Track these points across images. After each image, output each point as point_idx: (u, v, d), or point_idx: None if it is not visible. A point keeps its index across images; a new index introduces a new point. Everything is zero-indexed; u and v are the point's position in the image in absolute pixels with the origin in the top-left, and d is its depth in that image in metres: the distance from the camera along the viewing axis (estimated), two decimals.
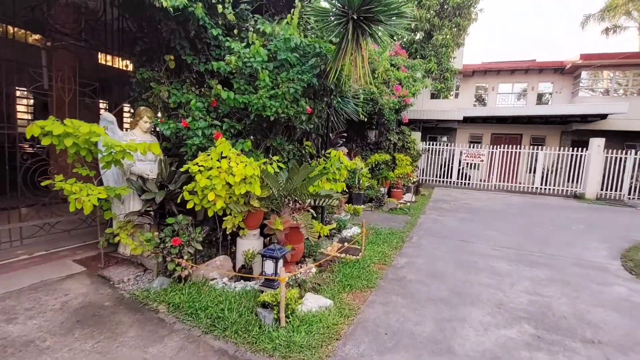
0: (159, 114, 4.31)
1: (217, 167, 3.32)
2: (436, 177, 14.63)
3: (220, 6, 3.62)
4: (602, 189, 12.70)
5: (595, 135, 13.61)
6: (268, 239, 3.91)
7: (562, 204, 11.20)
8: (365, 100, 7.80)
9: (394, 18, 3.47)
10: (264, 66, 3.72)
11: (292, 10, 3.81)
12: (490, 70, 17.86)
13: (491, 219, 8.02)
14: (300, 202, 4.34)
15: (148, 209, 3.80)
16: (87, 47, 4.83)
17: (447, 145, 14.49)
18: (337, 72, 3.76)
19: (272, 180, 3.70)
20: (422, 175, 14.67)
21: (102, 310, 3.03)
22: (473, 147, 14.13)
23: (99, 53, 6.08)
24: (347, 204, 8.30)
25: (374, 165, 9.39)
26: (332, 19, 3.53)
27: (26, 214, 4.50)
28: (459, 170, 14.23)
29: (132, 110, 4.94)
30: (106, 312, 2.99)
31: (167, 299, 3.18)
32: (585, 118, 14.75)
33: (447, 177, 14.42)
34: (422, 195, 10.89)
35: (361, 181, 8.23)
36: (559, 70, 17.25)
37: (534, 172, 13.74)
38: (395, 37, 11.13)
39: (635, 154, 12.14)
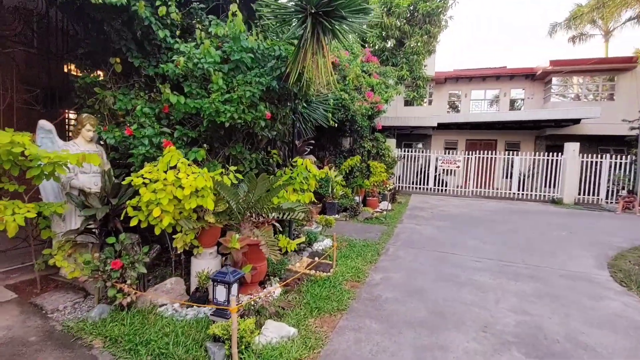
0: (107, 122, 3.97)
1: (163, 180, 3.03)
2: (413, 184, 14.72)
3: (163, 7, 3.37)
4: (579, 194, 13.05)
5: (569, 140, 14.06)
6: (225, 258, 3.62)
7: (541, 209, 11.43)
8: (336, 107, 7.70)
9: (359, 15, 3.34)
10: (217, 68, 3.49)
11: (231, 4, 3.59)
12: (462, 77, 18.39)
13: (470, 226, 8.01)
14: (263, 215, 4.09)
15: (89, 226, 3.44)
16: (26, 51, 4.44)
17: (422, 151, 14.65)
18: (298, 74, 3.58)
19: (229, 193, 3.44)
20: (399, 183, 14.73)
21: (25, 347, 2.63)
22: (448, 154, 14.34)
23: (44, 58, 5.67)
24: (320, 215, 8.10)
25: (347, 172, 9.26)
26: (291, 15, 3.35)
27: None
28: (435, 176, 14.38)
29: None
30: (29, 350, 2.61)
31: (104, 332, 2.82)
32: (559, 123, 15.32)
33: (423, 184, 14.54)
34: (398, 203, 10.84)
35: (335, 190, 8.06)
36: (529, 76, 17.98)
37: (511, 178, 14.06)
38: (365, 41, 11.22)
39: (610, 158, 12.59)
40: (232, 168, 3.57)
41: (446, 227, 7.83)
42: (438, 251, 5.86)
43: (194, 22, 3.88)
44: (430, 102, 18.31)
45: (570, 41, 22.87)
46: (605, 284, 4.62)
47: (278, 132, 4.43)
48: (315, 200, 8.11)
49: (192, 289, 3.52)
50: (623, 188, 12.26)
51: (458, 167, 13.83)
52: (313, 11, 3.14)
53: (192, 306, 3.30)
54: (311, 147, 4.81)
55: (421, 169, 14.58)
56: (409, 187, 14.71)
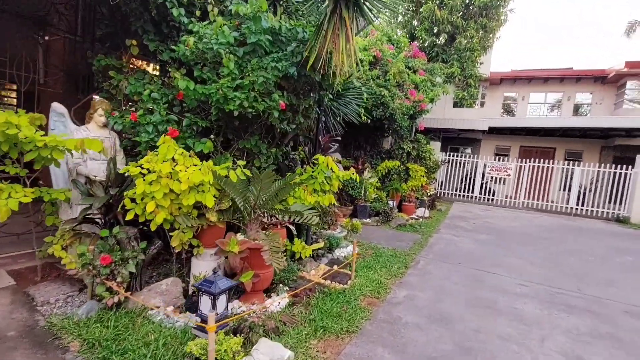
0: (122, 107, 3.74)
1: (158, 171, 2.66)
2: (456, 191, 13.46)
3: None
4: None
5: None
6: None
7: (603, 228, 9.82)
8: (375, 104, 7.03)
9: None
10: (230, 50, 3.06)
11: None
12: (520, 78, 16.56)
13: (517, 243, 6.94)
14: (276, 216, 3.62)
15: (92, 216, 3.21)
16: (51, 34, 4.36)
17: (469, 157, 13.33)
18: (321, 60, 3.04)
19: (233, 190, 3.01)
20: (441, 188, 13.56)
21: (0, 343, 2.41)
22: (499, 160, 12.90)
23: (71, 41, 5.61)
24: (351, 217, 7.51)
25: (384, 175, 8.54)
26: None
27: None
28: (482, 184, 13.02)
29: None
30: (2, 347, 2.37)
31: (85, 333, 2.52)
32: (630, 132, 13.17)
33: (468, 192, 13.23)
34: (438, 210, 9.87)
35: (367, 192, 7.42)
36: (599, 79, 15.74)
37: (569, 191, 12.32)
38: (414, 36, 10.30)
39: None
40: (241, 162, 3.13)
41: (489, 241, 6.85)
42: (475, 269, 5.02)
43: (213, 2, 3.48)
44: (482, 104, 16.73)
45: None
46: None
47: (299, 126, 3.93)
48: (347, 203, 7.57)
49: (191, 291, 3.16)
50: None
51: (509, 175, 12.38)
52: None
53: (187, 311, 2.94)
54: (336, 144, 4.26)
55: (467, 175, 13.27)
56: (451, 194, 13.49)
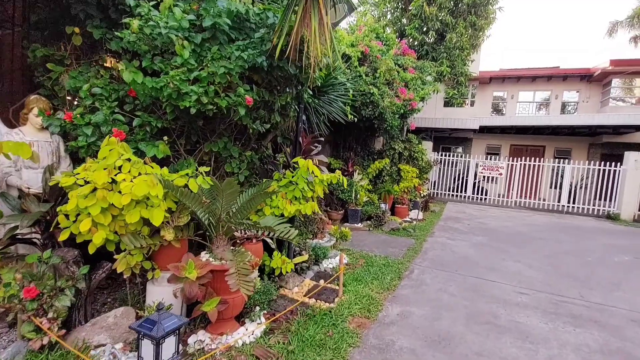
0: (66, 107, 3.14)
1: (93, 181, 2.10)
2: (449, 191, 13.00)
3: None
4: (639, 209, 10.80)
5: (629, 149, 11.78)
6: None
7: (595, 226, 9.43)
8: (364, 103, 6.50)
9: None
10: (185, 36, 2.50)
11: None
12: (509, 77, 16.19)
13: (513, 244, 6.47)
14: (250, 230, 3.06)
15: (29, 236, 2.62)
16: None
17: (461, 156, 12.88)
18: (292, 46, 2.50)
19: (193, 202, 2.45)
20: (434, 189, 13.09)
21: None
22: (491, 159, 12.47)
23: None
24: (341, 222, 6.97)
25: (375, 176, 8.01)
26: None
27: None
28: (474, 183, 12.57)
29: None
30: None
31: None
32: (617, 130, 12.88)
33: (461, 192, 12.78)
34: (431, 212, 9.38)
35: (359, 196, 6.89)
36: (586, 77, 15.44)
37: (560, 188, 11.94)
38: (403, 34, 9.82)
39: None
40: (203, 169, 2.58)
41: (484, 243, 6.37)
42: (473, 276, 4.53)
43: None
44: (472, 104, 16.32)
45: (632, 41, 19.54)
46: None
47: (276, 126, 3.39)
48: (338, 207, 7.03)
49: None
50: None
51: (500, 174, 11.96)
52: None
53: None
54: (319, 146, 3.72)
55: (459, 175, 12.81)
56: (444, 194, 13.03)
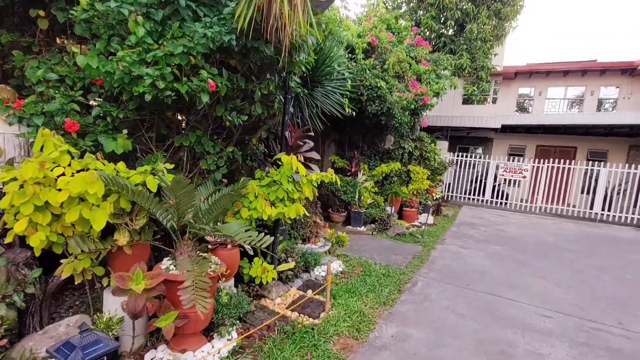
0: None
1: (20, 176, 1.89)
2: (465, 194, 12.36)
3: None
4: None
5: None
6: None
7: (635, 237, 8.69)
8: (370, 97, 6.16)
9: None
10: (142, 12, 2.26)
11: None
12: (537, 72, 15.32)
13: (536, 256, 5.95)
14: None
15: None
16: None
17: (480, 157, 12.25)
18: (264, 17, 2.22)
19: (148, 202, 2.21)
20: (448, 191, 12.48)
21: None
22: (513, 161, 11.83)
23: None
24: (344, 225, 6.66)
25: (382, 178, 7.64)
26: None
27: None
28: (494, 187, 11.92)
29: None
30: None
31: None
32: None
33: (479, 195, 12.13)
34: (444, 216, 8.89)
35: (362, 197, 6.55)
36: (627, 71, 14.38)
37: (594, 194, 11.15)
38: (419, 25, 9.37)
39: None
40: (161, 167, 2.34)
41: (503, 254, 5.89)
42: (487, 293, 4.10)
43: None
44: (494, 101, 15.58)
45: None
46: None
47: (262, 119, 3.13)
48: (340, 209, 6.71)
49: None
50: None
51: (524, 177, 11.29)
52: None
53: None
54: (309, 142, 3.42)
55: (477, 177, 12.18)
56: (460, 197, 12.41)
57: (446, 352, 2.82)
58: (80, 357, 1.53)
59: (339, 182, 3.55)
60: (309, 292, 3.48)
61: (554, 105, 15.88)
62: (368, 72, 6.12)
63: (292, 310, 3.09)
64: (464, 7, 9.28)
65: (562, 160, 11.31)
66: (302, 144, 3.39)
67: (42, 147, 2.08)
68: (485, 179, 11.97)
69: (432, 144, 8.77)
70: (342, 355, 2.64)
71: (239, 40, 2.52)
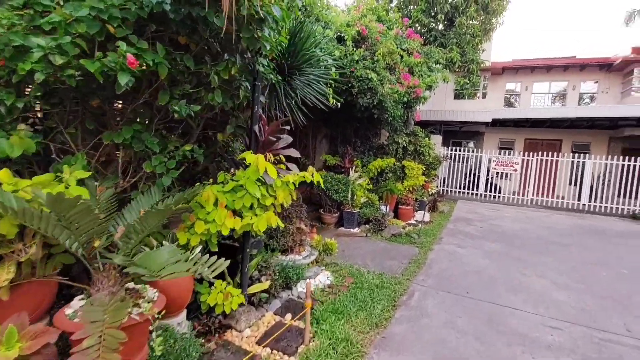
0: None
1: None
2: (459, 188, 11.58)
3: None
4: None
5: None
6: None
7: (622, 228, 8.00)
8: (361, 90, 5.35)
9: None
10: None
11: None
12: (522, 68, 14.55)
13: (533, 252, 5.22)
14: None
15: None
16: None
17: (473, 151, 11.48)
18: None
19: (42, 223, 1.41)
20: (443, 186, 11.71)
21: None
22: (504, 154, 11.04)
23: None
24: (336, 226, 5.88)
25: (377, 175, 6.85)
26: None
27: None
28: (487, 180, 11.15)
29: None
30: None
31: None
32: None
33: (472, 189, 11.35)
34: (440, 212, 8.12)
35: (355, 196, 5.76)
36: (605, 67, 13.68)
37: (580, 185, 10.42)
38: (410, 19, 8.52)
39: None
40: (80, 173, 1.53)
41: (500, 252, 5.15)
42: (488, 301, 3.37)
43: None
44: (484, 96, 14.77)
45: None
46: None
47: (211, 108, 2.32)
48: (332, 209, 5.90)
49: None
50: None
51: (515, 170, 10.54)
52: None
53: None
54: (285, 136, 2.62)
55: (470, 171, 11.41)
56: (455, 191, 11.62)
57: None
58: None
59: (322, 182, 2.75)
60: (288, 316, 2.70)
61: (540, 99, 15.11)
62: (358, 63, 5.29)
63: (264, 346, 2.30)
64: (454, 1, 8.43)
65: (549, 153, 10.59)
66: (275, 139, 2.59)
67: None
68: (479, 172, 11.19)
69: (427, 139, 7.95)
70: None
71: (177, 6, 1.70)
